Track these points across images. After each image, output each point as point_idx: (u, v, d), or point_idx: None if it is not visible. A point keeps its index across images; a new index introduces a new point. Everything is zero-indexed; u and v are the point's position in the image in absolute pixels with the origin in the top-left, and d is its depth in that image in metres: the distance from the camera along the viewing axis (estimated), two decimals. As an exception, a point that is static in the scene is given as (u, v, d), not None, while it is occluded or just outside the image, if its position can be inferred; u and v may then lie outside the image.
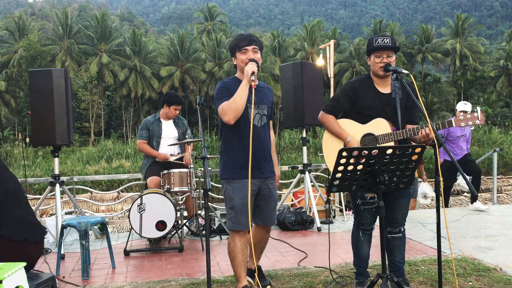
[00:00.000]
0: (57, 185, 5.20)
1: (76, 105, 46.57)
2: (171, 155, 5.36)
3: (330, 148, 3.18)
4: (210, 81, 50.94)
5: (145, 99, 52.50)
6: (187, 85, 51.62)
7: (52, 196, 5.32)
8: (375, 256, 3.82)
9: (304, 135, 6.04)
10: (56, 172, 5.26)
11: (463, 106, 6.38)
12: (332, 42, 8.39)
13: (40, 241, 3.01)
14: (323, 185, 6.43)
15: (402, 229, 3.23)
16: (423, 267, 3.83)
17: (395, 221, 3.19)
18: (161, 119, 5.39)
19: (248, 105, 3.11)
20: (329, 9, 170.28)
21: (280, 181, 7.22)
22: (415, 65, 60.15)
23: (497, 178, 8.15)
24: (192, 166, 5.08)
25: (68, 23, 51.21)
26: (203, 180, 5.14)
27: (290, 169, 7.12)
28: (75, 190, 6.52)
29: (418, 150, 2.58)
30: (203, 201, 3.28)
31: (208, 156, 3.03)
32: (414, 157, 2.61)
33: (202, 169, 4.83)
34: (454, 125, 2.94)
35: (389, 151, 2.56)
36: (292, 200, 7.30)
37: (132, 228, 4.68)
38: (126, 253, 4.63)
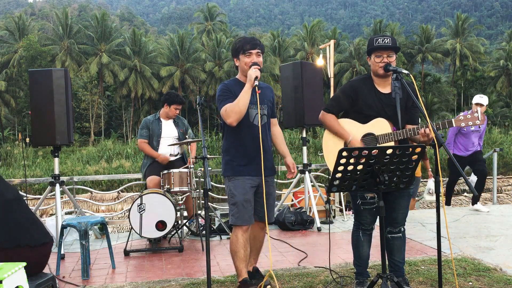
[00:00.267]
0: (57, 185, 5.20)
1: (76, 105, 46.58)
2: (171, 154, 5.36)
3: (330, 148, 3.18)
4: (210, 81, 50.94)
5: (145, 99, 52.50)
6: (187, 85, 51.63)
7: (52, 196, 5.32)
8: (375, 256, 3.82)
9: (304, 135, 6.04)
10: (56, 172, 5.26)
11: (478, 99, 6.24)
12: (332, 42, 8.40)
13: (40, 244, 2.95)
14: (323, 185, 6.43)
15: (402, 229, 3.23)
16: (423, 267, 3.83)
17: (395, 221, 3.19)
18: (161, 119, 5.40)
19: (250, 106, 3.21)
20: (329, 9, 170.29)
21: (280, 181, 7.25)
22: (415, 65, 60.15)
23: (497, 178, 8.15)
24: (192, 166, 5.08)
25: (68, 23, 51.21)
26: (203, 180, 5.14)
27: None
28: (75, 190, 6.53)
29: (418, 150, 2.59)
30: (203, 201, 3.29)
31: (208, 156, 3.05)
32: (414, 157, 2.61)
33: (202, 169, 4.83)
34: (454, 125, 2.94)
35: (389, 151, 2.56)
36: (292, 200, 7.30)
37: (132, 228, 4.68)
38: (126, 253, 4.63)
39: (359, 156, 2.54)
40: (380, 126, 3.08)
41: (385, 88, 3.14)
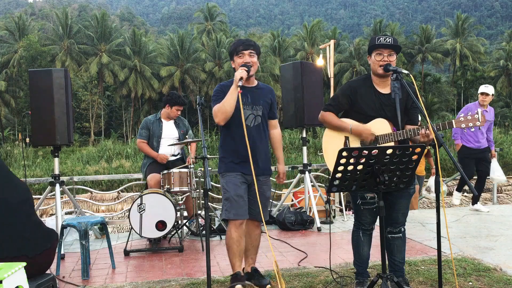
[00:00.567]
0: (57, 185, 5.20)
1: (76, 105, 46.59)
2: (172, 155, 5.36)
3: (330, 148, 3.18)
4: (210, 81, 50.94)
5: (145, 99, 52.51)
6: (187, 85, 51.64)
7: (52, 196, 5.32)
8: (375, 256, 3.82)
9: (304, 135, 6.04)
10: (56, 172, 5.26)
11: (484, 88, 6.22)
12: (332, 42, 8.40)
13: (40, 252, 2.89)
14: (323, 185, 6.43)
15: (403, 229, 3.23)
16: (423, 267, 3.83)
17: (395, 221, 3.19)
18: (162, 119, 5.40)
19: (243, 107, 3.27)
20: (329, 9, 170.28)
21: (280, 181, 7.23)
22: (415, 65, 60.18)
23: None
24: (192, 166, 5.08)
25: (68, 23, 51.24)
26: (203, 180, 5.14)
27: (290, 169, 7.11)
28: (75, 190, 6.53)
29: (418, 150, 2.59)
30: (203, 201, 3.30)
31: (208, 156, 3.05)
32: (414, 157, 2.61)
33: (202, 169, 4.83)
34: (454, 126, 2.94)
35: (389, 151, 2.56)
36: (292, 200, 7.30)
37: (132, 228, 4.68)
38: (126, 253, 4.63)
39: (359, 156, 2.54)
40: (380, 126, 3.07)
41: (384, 88, 3.14)
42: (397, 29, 59.11)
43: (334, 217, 6.26)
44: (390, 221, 3.19)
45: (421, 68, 59.41)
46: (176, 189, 4.92)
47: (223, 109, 3.24)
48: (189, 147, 5.30)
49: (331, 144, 3.19)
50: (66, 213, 7.21)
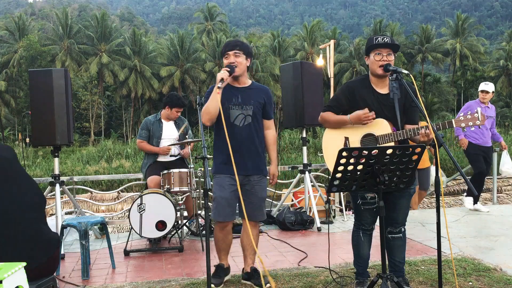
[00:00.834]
0: (57, 185, 5.20)
1: (76, 105, 46.59)
2: (171, 155, 5.36)
3: (330, 148, 3.18)
4: (210, 81, 50.93)
5: (145, 99, 52.52)
6: (187, 85, 51.65)
7: (52, 196, 5.31)
8: (375, 256, 3.82)
9: (304, 135, 6.03)
10: (56, 172, 5.25)
11: (484, 86, 6.23)
12: (332, 42, 8.39)
13: (39, 264, 2.83)
14: (323, 185, 6.43)
15: (403, 229, 3.23)
16: (423, 267, 3.83)
17: (395, 221, 3.19)
18: (162, 120, 5.40)
19: (230, 107, 3.38)
20: (329, 9, 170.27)
21: (280, 181, 7.25)
22: (415, 65, 60.19)
23: (497, 178, 8.14)
24: (192, 166, 5.08)
25: (68, 23, 51.25)
26: (203, 180, 5.14)
27: (290, 169, 7.11)
28: (75, 190, 6.52)
29: (418, 150, 2.59)
30: (203, 201, 3.30)
31: (208, 156, 3.06)
32: (414, 157, 2.62)
33: (202, 169, 4.83)
34: (454, 125, 2.94)
35: (389, 151, 2.56)
36: (292, 200, 7.29)
37: (132, 228, 4.68)
38: (126, 253, 4.63)
39: (359, 156, 2.54)
40: (380, 126, 3.07)
41: (383, 88, 3.14)
42: (397, 29, 59.12)
43: (334, 217, 6.26)
44: (390, 221, 3.19)
45: (421, 68, 59.43)
46: (176, 189, 4.92)
47: (206, 111, 3.31)
48: (188, 147, 5.30)
49: (331, 144, 3.19)
50: (66, 213, 7.21)
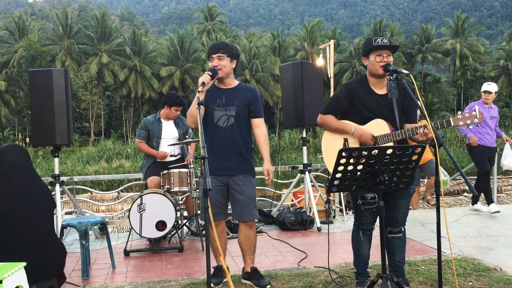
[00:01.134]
0: (57, 185, 5.20)
1: (76, 105, 46.58)
2: (171, 155, 5.36)
3: (330, 149, 3.18)
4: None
5: (145, 99, 52.50)
6: (187, 85, 51.64)
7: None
8: (375, 256, 3.82)
9: (304, 135, 6.03)
10: (56, 172, 5.25)
11: (486, 86, 6.24)
12: (332, 42, 8.39)
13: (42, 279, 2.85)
14: (323, 185, 6.43)
15: (403, 229, 3.23)
16: (423, 267, 3.83)
17: (395, 221, 3.19)
18: (162, 119, 5.40)
19: (214, 108, 3.44)
20: (329, 9, 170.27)
21: (280, 181, 7.24)
22: (415, 65, 60.18)
23: (497, 178, 8.14)
24: (192, 166, 5.08)
25: (68, 23, 51.23)
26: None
27: (290, 169, 7.11)
28: (75, 190, 6.53)
29: (418, 150, 2.59)
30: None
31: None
32: (414, 157, 2.62)
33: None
34: (452, 124, 2.94)
35: (389, 151, 2.56)
36: (292, 200, 7.29)
37: (132, 228, 4.68)
38: (126, 253, 4.63)
39: (359, 156, 2.54)
40: (378, 127, 3.07)
41: (381, 89, 3.14)
42: (397, 29, 59.11)
43: (334, 217, 6.26)
44: (390, 221, 3.19)
45: (421, 68, 59.43)
46: (176, 189, 4.92)
47: (190, 113, 3.39)
48: (188, 147, 5.30)
49: (331, 145, 3.19)
50: (66, 213, 7.21)
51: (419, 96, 2.95)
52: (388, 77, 3.12)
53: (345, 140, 3.16)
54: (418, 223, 5.67)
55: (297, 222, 5.53)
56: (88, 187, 7.11)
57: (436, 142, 2.71)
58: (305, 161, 6.02)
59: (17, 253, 2.76)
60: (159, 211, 4.64)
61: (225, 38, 53.69)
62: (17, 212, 2.82)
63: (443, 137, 2.77)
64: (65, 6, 72.12)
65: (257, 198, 3.79)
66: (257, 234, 5.23)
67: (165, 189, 4.89)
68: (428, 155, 6.67)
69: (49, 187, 5.18)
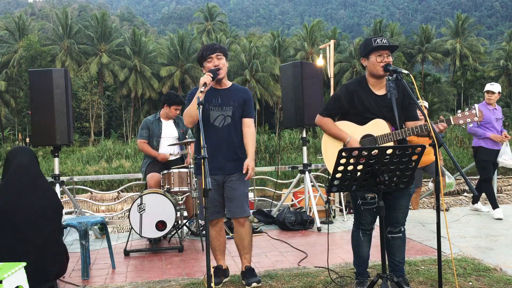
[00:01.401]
0: (57, 185, 5.20)
1: (76, 105, 46.58)
2: (171, 154, 5.36)
3: (330, 150, 3.18)
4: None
5: (145, 99, 52.50)
6: (187, 85, 51.62)
7: (52, 196, 5.31)
8: (375, 256, 3.82)
9: (304, 135, 6.03)
10: (56, 172, 5.25)
11: (489, 86, 6.20)
12: (332, 42, 8.39)
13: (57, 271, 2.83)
14: (323, 185, 6.43)
15: (403, 229, 3.23)
16: (423, 267, 3.83)
17: (395, 221, 3.19)
18: (162, 119, 5.40)
19: (211, 108, 3.46)
20: (329, 9, 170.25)
21: (280, 181, 7.24)
22: (415, 65, 60.16)
23: (497, 178, 8.14)
24: (192, 166, 5.08)
25: (68, 23, 51.23)
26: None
27: (290, 169, 7.11)
28: (75, 190, 6.52)
29: (418, 150, 2.59)
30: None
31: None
32: (414, 157, 2.62)
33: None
34: (452, 123, 2.94)
35: (389, 151, 2.56)
36: (292, 200, 7.30)
37: (132, 228, 4.68)
38: (126, 253, 4.63)
39: (359, 156, 2.54)
40: (378, 127, 3.08)
41: (380, 90, 3.14)
42: (397, 29, 59.11)
43: (334, 217, 6.26)
44: (390, 221, 3.19)
45: (421, 68, 59.41)
46: (176, 189, 4.92)
47: (188, 113, 3.39)
48: (188, 147, 5.29)
49: (330, 146, 3.19)
50: (66, 213, 7.20)
51: (419, 96, 2.96)
52: (387, 77, 3.12)
53: (345, 141, 3.17)
54: (418, 223, 5.67)
55: (297, 222, 5.53)
56: (88, 187, 7.10)
57: (436, 142, 2.71)
58: (305, 161, 6.02)
59: (19, 255, 2.76)
60: (159, 211, 4.64)
61: (225, 38, 53.71)
62: (22, 215, 2.82)
63: (443, 137, 2.77)
64: (65, 6, 72.09)
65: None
66: (257, 234, 5.27)
67: (165, 189, 4.89)
68: (432, 156, 6.60)
69: (49, 187, 5.21)
